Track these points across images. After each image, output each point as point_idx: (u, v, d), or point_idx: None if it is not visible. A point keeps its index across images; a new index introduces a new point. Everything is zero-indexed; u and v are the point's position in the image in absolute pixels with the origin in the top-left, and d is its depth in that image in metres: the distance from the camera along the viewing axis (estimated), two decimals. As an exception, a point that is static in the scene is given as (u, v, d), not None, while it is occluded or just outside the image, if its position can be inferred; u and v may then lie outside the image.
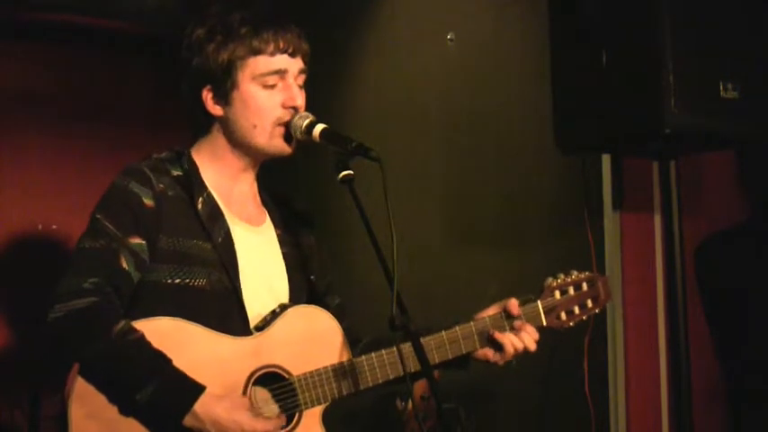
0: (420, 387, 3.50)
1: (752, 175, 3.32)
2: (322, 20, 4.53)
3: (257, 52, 2.49)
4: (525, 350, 2.58)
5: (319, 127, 2.47)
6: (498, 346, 2.58)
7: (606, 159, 3.43)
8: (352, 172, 2.37)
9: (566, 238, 3.48)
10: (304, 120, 2.50)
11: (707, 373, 3.30)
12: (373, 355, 2.51)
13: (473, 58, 3.97)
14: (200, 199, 2.51)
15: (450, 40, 4.04)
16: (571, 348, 3.29)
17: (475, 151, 3.95)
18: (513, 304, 2.62)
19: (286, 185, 2.82)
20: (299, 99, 2.53)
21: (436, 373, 2.50)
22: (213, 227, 2.51)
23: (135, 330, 2.34)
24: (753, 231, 3.31)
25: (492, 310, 2.63)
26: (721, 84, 2.85)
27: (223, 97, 2.52)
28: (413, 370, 2.44)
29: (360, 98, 4.58)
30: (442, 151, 4.12)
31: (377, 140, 2.57)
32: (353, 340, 2.65)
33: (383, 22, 4.46)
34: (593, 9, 3.01)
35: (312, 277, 2.71)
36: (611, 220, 3.42)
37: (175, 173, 2.53)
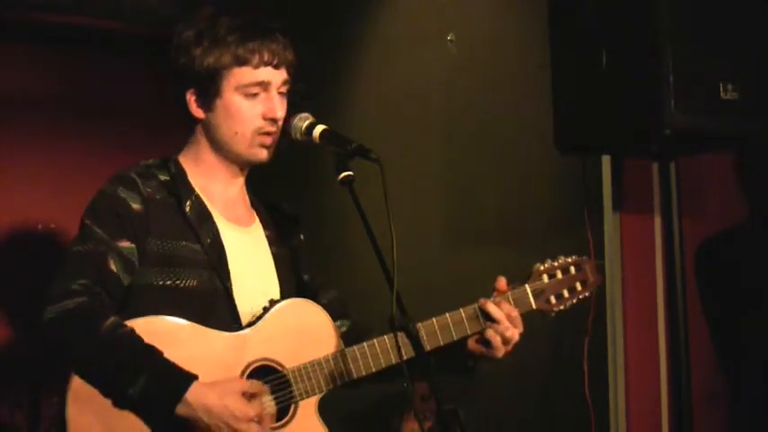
0: (420, 388, 3.49)
1: (752, 175, 3.32)
2: (322, 21, 4.53)
3: (242, 63, 2.52)
4: (505, 336, 2.56)
5: (319, 128, 2.49)
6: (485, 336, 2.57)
7: (606, 160, 3.43)
8: (351, 173, 2.38)
9: (566, 239, 3.47)
10: (304, 121, 2.51)
11: (707, 373, 3.30)
12: (365, 344, 2.52)
13: (473, 59, 3.97)
14: (188, 202, 2.55)
15: (451, 40, 4.04)
16: (571, 348, 3.29)
17: (475, 152, 3.95)
18: (501, 281, 2.62)
19: (286, 186, 2.82)
20: (280, 111, 2.56)
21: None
22: (201, 228, 2.53)
23: (124, 326, 2.37)
24: (753, 232, 3.30)
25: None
26: (721, 84, 2.85)
27: (206, 102, 2.55)
28: (396, 360, 2.44)
29: (360, 99, 4.58)
30: (443, 152, 4.12)
31: (377, 141, 2.57)
32: (361, 334, 2.64)
33: (383, 23, 4.46)
34: (592, 9, 3.00)
35: (305, 276, 2.73)
36: (611, 221, 3.41)
37: (163, 177, 2.56)
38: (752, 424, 3.26)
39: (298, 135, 2.52)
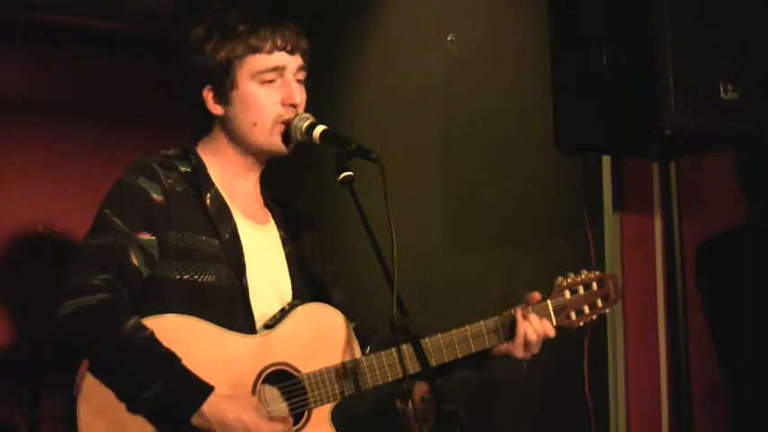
0: (420, 388, 3.50)
1: (752, 176, 3.32)
2: (323, 21, 4.53)
3: (255, 50, 2.50)
4: (535, 334, 2.58)
5: (319, 128, 2.48)
6: (512, 334, 2.59)
7: (606, 160, 3.43)
8: (352, 173, 2.38)
9: (566, 240, 3.48)
10: (304, 121, 2.50)
11: (707, 373, 3.30)
12: (383, 353, 2.51)
13: (473, 59, 3.97)
14: (209, 195, 2.52)
15: (451, 41, 4.04)
16: (571, 349, 3.29)
17: (475, 152, 3.96)
18: (534, 296, 2.64)
19: (287, 186, 2.82)
20: (298, 96, 2.53)
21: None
22: (221, 223, 2.51)
23: (145, 328, 2.34)
24: (753, 232, 3.30)
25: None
26: (721, 85, 2.85)
27: (223, 97, 2.53)
28: (414, 371, 2.43)
29: (361, 99, 4.58)
30: (443, 152, 4.12)
31: (377, 141, 2.57)
32: (366, 334, 2.65)
33: (384, 23, 4.46)
34: (593, 9, 3.00)
35: (317, 277, 2.71)
36: (611, 222, 3.42)
37: (183, 169, 2.53)
38: (752, 424, 3.26)
39: (298, 135, 2.51)
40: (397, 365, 2.48)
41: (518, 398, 3.66)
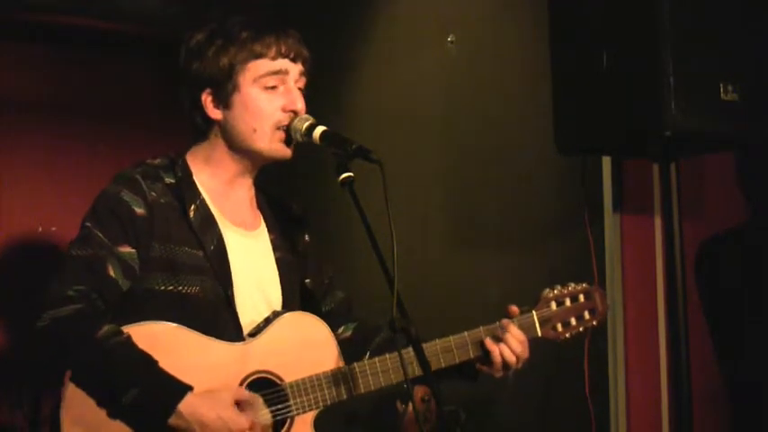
0: (420, 389, 3.50)
1: (752, 176, 3.32)
2: (323, 22, 4.53)
3: (258, 56, 2.50)
4: (514, 356, 2.57)
5: (319, 129, 2.48)
6: (487, 355, 2.58)
7: (606, 161, 3.43)
8: (352, 174, 2.37)
9: (566, 240, 3.48)
10: (304, 122, 2.50)
11: (707, 373, 3.30)
12: (366, 362, 2.52)
13: (473, 60, 3.97)
14: (192, 207, 2.52)
15: (451, 41, 4.04)
16: (571, 349, 3.29)
17: (475, 153, 3.95)
18: (513, 309, 2.63)
19: (286, 188, 2.82)
20: (300, 103, 2.53)
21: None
22: (205, 235, 2.51)
23: (120, 333, 2.35)
24: (753, 233, 3.30)
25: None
26: (721, 85, 2.85)
27: (223, 101, 2.52)
28: (411, 376, 2.43)
29: (360, 100, 4.58)
30: (443, 153, 4.12)
31: (377, 142, 2.57)
32: (368, 333, 2.65)
33: (383, 24, 4.46)
34: (593, 10, 3.00)
35: (308, 280, 2.71)
36: (611, 222, 3.41)
37: (168, 180, 2.53)
38: (752, 424, 3.26)
39: (298, 136, 2.51)
40: (380, 376, 2.50)
41: (518, 398, 3.66)
